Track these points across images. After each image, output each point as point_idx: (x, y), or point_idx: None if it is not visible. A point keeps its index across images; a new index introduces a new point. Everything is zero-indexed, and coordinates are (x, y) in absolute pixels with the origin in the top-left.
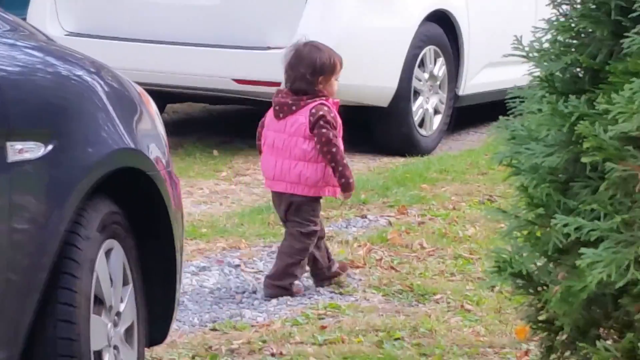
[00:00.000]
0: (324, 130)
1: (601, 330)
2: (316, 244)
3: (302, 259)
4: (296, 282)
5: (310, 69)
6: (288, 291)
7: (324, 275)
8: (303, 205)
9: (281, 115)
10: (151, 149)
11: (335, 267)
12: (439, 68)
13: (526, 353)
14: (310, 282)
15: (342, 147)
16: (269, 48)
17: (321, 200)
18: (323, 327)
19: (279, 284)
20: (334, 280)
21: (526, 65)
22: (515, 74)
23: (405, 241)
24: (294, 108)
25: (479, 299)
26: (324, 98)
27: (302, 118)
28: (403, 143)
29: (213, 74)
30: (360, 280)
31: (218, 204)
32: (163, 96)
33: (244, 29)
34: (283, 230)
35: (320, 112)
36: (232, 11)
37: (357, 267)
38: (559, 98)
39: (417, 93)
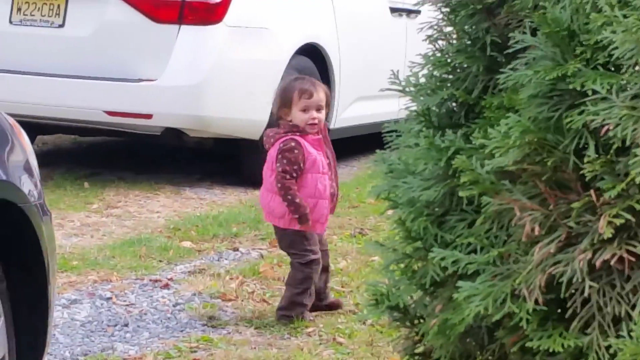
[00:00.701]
0: (278, 165)
1: None
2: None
3: (307, 287)
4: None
5: (274, 102)
6: (299, 317)
7: (318, 305)
8: (290, 236)
9: (267, 147)
10: (23, 180)
11: (327, 301)
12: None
13: None
14: (182, 315)
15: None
16: (140, 80)
17: (321, 233)
18: None
19: (288, 314)
20: (307, 316)
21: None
22: (387, 108)
23: (278, 274)
24: (272, 141)
25: (351, 332)
26: (297, 133)
27: (272, 151)
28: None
29: (84, 106)
30: (232, 313)
31: (89, 236)
32: (33, 128)
33: (115, 60)
34: (155, 263)
35: (284, 147)
36: (104, 43)
37: (230, 300)
38: (435, 132)
39: None
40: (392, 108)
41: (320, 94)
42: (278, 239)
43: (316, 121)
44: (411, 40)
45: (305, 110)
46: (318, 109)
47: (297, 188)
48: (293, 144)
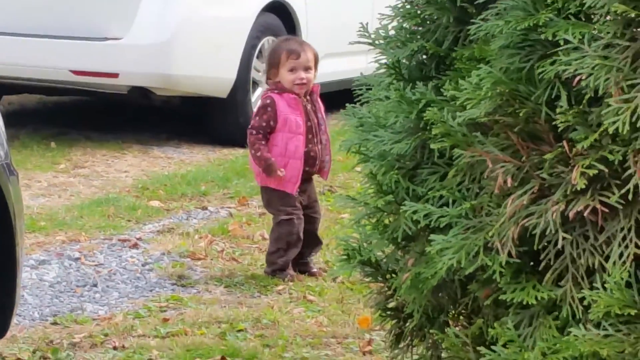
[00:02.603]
0: (251, 121)
1: (449, 316)
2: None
3: (280, 247)
4: (288, 270)
5: (265, 63)
6: (276, 276)
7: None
8: (267, 194)
9: None
10: None
11: (307, 269)
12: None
13: (369, 342)
14: (151, 274)
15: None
16: (106, 39)
17: (294, 195)
18: (165, 320)
19: (266, 270)
20: (283, 277)
21: (365, 55)
22: (355, 65)
23: (247, 232)
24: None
25: (322, 290)
26: (275, 90)
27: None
28: (242, 134)
29: (50, 65)
30: (202, 272)
31: (57, 196)
32: None
33: (81, 19)
34: (123, 222)
35: (259, 105)
36: (69, 1)
37: (199, 259)
38: (406, 85)
39: (255, 84)
40: (360, 65)
41: (308, 54)
42: (261, 197)
43: (304, 81)
44: None
45: (292, 70)
46: (306, 69)
47: (269, 147)
48: (268, 101)
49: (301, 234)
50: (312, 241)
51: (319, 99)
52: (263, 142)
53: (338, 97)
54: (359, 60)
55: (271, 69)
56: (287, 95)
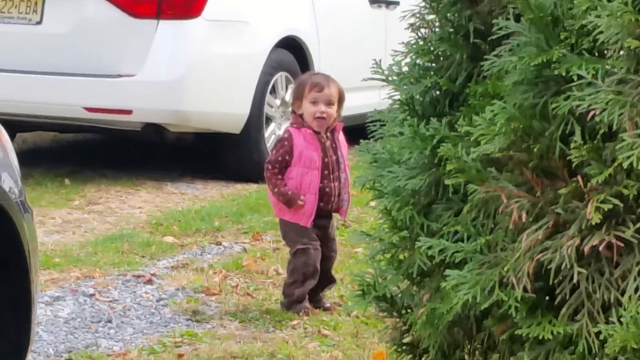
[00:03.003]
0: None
1: (465, 352)
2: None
3: (297, 279)
4: (303, 303)
5: (291, 95)
6: (291, 309)
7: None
8: (283, 227)
9: None
10: (3, 178)
11: (320, 305)
12: (291, 94)
13: None
14: (166, 310)
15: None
16: (119, 76)
17: (306, 227)
18: (180, 355)
19: (282, 302)
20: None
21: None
22: (368, 100)
23: (261, 267)
24: None
25: (336, 324)
26: (294, 125)
27: None
28: (256, 170)
29: (63, 103)
30: (216, 307)
31: (71, 233)
32: (12, 125)
33: (94, 56)
34: (137, 258)
35: (278, 138)
36: (82, 39)
37: (213, 294)
38: (420, 121)
39: (269, 119)
40: (373, 100)
41: (332, 89)
42: (280, 229)
43: (324, 115)
44: (391, 32)
45: (314, 103)
46: (328, 104)
47: (285, 180)
48: (286, 135)
49: (318, 265)
50: (326, 279)
51: (340, 137)
52: (279, 177)
53: (351, 132)
54: (372, 95)
55: (295, 101)
56: (304, 130)
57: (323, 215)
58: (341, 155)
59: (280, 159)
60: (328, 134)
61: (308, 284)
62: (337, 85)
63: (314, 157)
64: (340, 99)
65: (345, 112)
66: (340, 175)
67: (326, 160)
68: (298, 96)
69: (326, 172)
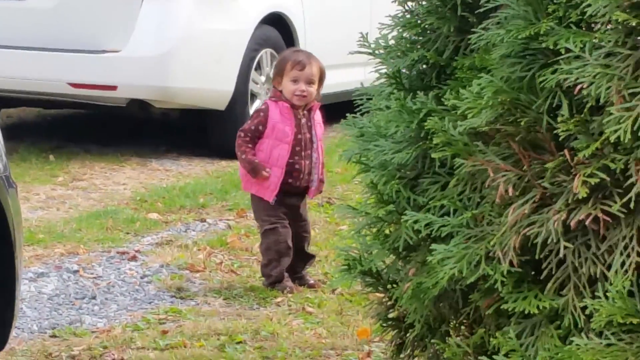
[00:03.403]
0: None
1: (451, 326)
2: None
3: (271, 258)
4: (285, 282)
5: (273, 71)
6: (275, 288)
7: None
8: (253, 204)
9: None
10: None
11: (304, 282)
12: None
13: (368, 354)
14: (150, 287)
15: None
16: (104, 51)
17: (271, 203)
18: (164, 332)
19: (264, 283)
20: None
21: (363, 67)
22: (353, 77)
23: (245, 244)
24: None
25: (320, 302)
26: (273, 98)
27: None
28: None
29: (48, 78)
30: (201, 284)
31: (55, 209)
32: None
33: (79, 32)
34: (121, 235)
35: (256, 109)
36: (67, 14)
37: (198, 271)
38: (406, 95)
39: (254, 96)
40: (359, 76)
41: (313, 68)
42: None
43: (304, 94)
44: (376, 8)
45: (295, 81)
46: (308, 82)
47: (255, 151)
48: (262, 107)
49: (289, 242)
50: (303, 257)
51: (317, 117)
52: (250, 146)
53: (337, 109)
54: (358, 72)
55: (276, 76)
56: (281, 104)
57: (292, 193)
58: (315, 135)
59: (253, 128)
60: (305, 112)
61: (283, 262)
62: (319, 64)
63: (287, 131)
64: (321, 78)
65: (331, 88)
66: (312, 155)
67: (299, 136)
68: (279, 72)
69: (297, 148)
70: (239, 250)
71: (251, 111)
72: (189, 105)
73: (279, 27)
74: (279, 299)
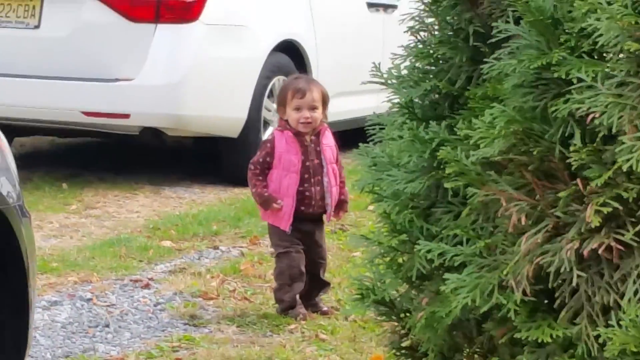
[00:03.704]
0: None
1: (465, 355)
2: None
3: (284, 283)
4: (298, 308)
5: (275, 101)
6: (288, 315)
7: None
8: (269, 230)
9: None
10: (1, 182)
11: (317, 309)
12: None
13: None
14: (163, 314)
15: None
16: (117, 80)
17: (287, 232)
18: None
19: (277, 310)
20: (295, 315)
21: (375, 94)
22: (366, 104)
23: (258, 272)
24: None
25: (334, 328)
26: (279, 127)
27: None
28: None
29: (61, 107)
30: (214, 311)
31: (68, 237)
32: (10, 130)
33: (92, 61)
34: (135, 263)
35: (263, 140)
36: (80, 43)
37: (211, 298)
38: (419, 124)
39: (267, 123)
40: (371, 104)
41: (314, 93)
42: None
43: (309, 120)
44: (388, 36)
45: (298, 109)
46: (311, 109)
47: (266, 183)
48: (269, 137)
49: (302, 268)
50: (318, 284)
51: (326, 140)
52: (260, 178)
53: (349, 136)
54: (370, 99)
55: (279, 106)
56: (286, 133)
57: (307, 220)
58: (324, 159)
59: (261, 160)
60: (312, 138)
61: (296, 287)
62: (320, 88)
63: (293, 160)
64: (324, 101)
65: (342, 116)
66: (323, 179)
67: (307, 164)
68: (281, 102)
69: (306, 175)
70: (252, 278)
71: (264, 138)
72: (201, 133)
73: (291, 54)
74: (292, 326)
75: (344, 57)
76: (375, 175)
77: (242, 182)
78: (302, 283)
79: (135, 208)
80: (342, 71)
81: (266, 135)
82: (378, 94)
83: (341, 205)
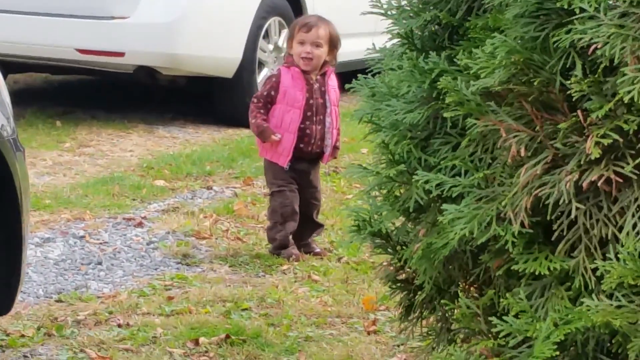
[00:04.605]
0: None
1: (460, 287)
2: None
3: (276, 221)
4: (290, 249)
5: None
6: (281, 255)
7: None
8: (264, 166)
9: None
10: None
11: (309, 250)
12: (284, 39)
13: (374, 322)
14: (156, 253)
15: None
16: (112, 18)
17: (285, 168)
18: (170, 298)
19: (270, 250)
20: (287, 256)
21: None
22: (362, 46)
23: (252, 212)
24: None
25: (326, 270)
26: (286, 64)
27: None
28: (248, 114)
29: (56, 44)
30: (207, 251)
31: (62, 175)
32: (4, 66)
33: None
34: (128, 201)
35: (268, 76)
36: None
37: (204, 238)
38: (419, 55)
39: (261, 64)
40: (367, 46)
41: (320, 30)
42: None
43: (310, 55)
44: None
45: (301, 43)
46: (315, 45)
47: (268, 118)
48: (275, 72)
49: (296, 207)
50: (311, 225)
51: (331, 82)
52: (262, 111)
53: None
54: (365, 41)
55: (288, 40)
56: (293, 69)
57: (303, 159)
58: (328, 100)
59: (265, 93)
60: (318, 77)
61: (288, 226)
62: (330, 28)
63: (298, 96)
64: (333, 42)
65: (339, 57)
66: (325, 119)
67: (311, 101)
68: (290, 36)
69: (309, 113)
70: (245, 218)
71: (259, 79)
72: (196, 73)
73: None
74: (284, 267)
75: None
76: (374, 105)
77: (235, 122)
78: (295, 222)
79: (128, 147)
80: (338, 13)
81: (261, 76)
82: (373, 36)
83: (332, 151)
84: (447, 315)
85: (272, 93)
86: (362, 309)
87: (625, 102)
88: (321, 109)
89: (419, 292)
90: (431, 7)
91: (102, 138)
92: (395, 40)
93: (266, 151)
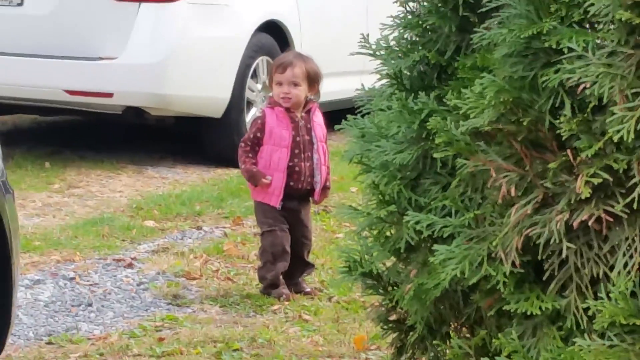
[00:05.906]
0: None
1: (452, 327)
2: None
3: (267, 261)
4: (281, 288)
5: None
6: (271, 295)
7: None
8: (255, 208)
9: None
10: None
11: (300, 290)
12: None
13: None
14: (146, 294)
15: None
16: (100, 58)
17: (278, 208)
18: (161, 339)
19: (261, 289)
20: (278, 295)
21: (359, 76)
22: (350, 85)
23: (242, 252)
24: None
25: (317, 309)
26: (269, 105)
27: None
28: (236, 154)
29: (44, 85)
30: (197, 291)
31: (51, 216)
32: None
33: (75, 39)
34: (118, 242)
35: (254, 118)
36: (63, 21)
37: (194, 278)
38: (408, 95)
39: (250, 104)
40: (355, 85)
41: (295, 69)
42: None
43: (288, 96)
44: (372, 15)
45: (279, 84)
46: (293, 84)
47: (257, 160)
48: (260, 114)
49: (287, 247)
50: (302, 265)
51: (316, 118)
52: (250, 155)
53: (335, 118)
54: (354, 80)
55: (270, 82)
56: (277, 109)
57: (294, 197)
58: (315, 136)
59: (252, 136)
60: (303, 114)
61: (279, 266)
62: (306, 65)
63: (284, 135)
64: (311, 79)
65: (328, 96)
66: (313, 156)
67: (298, 139)
68: (270, 77)
69: (297, 151)
70: (235, 258)
71: (247, 119)
72: (184, 113)
73: (275, 34)
74: (275, 307)
75: (328, 38)
76: (364, 146)
77: (224, 162)
78: (285, 262)
79: (118, 187)
80: (326, 52)
81: (249, 116)
82: (362, 75)
83: (323, 191)
84: (439, 355)
85: (259, 135)
86: (354, 349)
87: (615, 140)
88: (308, 146)
89: (411, 333)
90: (420, 47)
91: (91, 179)
92: (384, 81)
93: (257, 193)
